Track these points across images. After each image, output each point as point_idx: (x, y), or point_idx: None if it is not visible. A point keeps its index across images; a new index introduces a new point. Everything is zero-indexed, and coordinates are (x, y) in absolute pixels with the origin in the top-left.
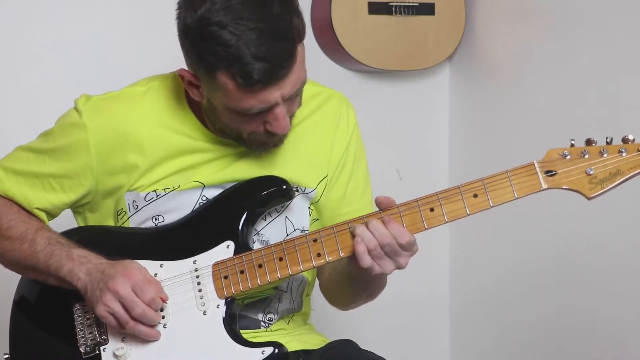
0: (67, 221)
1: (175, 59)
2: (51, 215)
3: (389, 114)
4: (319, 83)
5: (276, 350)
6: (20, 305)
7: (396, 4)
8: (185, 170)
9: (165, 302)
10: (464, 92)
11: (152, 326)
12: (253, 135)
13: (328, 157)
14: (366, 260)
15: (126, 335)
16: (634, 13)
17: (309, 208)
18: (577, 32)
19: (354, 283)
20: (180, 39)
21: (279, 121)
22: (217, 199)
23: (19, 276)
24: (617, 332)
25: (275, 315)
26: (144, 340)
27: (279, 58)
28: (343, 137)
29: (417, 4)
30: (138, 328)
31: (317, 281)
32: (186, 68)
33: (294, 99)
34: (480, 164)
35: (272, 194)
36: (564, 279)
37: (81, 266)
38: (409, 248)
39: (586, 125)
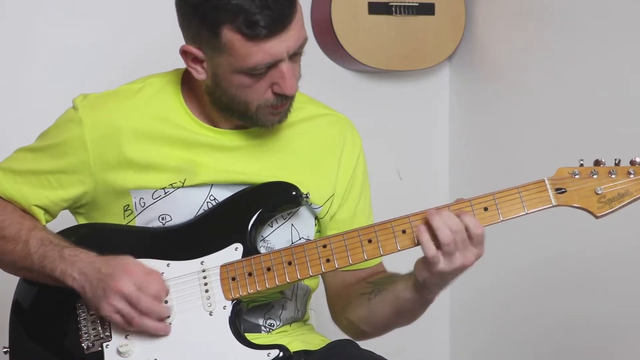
0: (66, 222)
1: (176, 60)
2: (50, 214)
3: (389, 114)
4: (329, 106)
5: (281, 354)
6: (22, 299)
7: (396, 4)
8: (188, 163)
9: (167, 294)
10: (464, 92)
11: (161, 320)
12: (261, 105)
13: (334, 178)
14: (431, 251)
15: (130, 332)
16: (635, 12)
17: (315, 218)
18: (576, 31)
19: (406, 302)
20: (180, 9)
21: (286, 79)
22: (227, 201)
23: None
24: (616, 332)
25: (278, 322)
26: (148, 337)
27: (282, 7)
28: (349, 160)
29: (417, 4)
30: (145, 322)
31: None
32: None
33: (296, 61)
34: (481, 164)
35: (282, 199)
36: (563, 279)
37: (73, 266)
38: (478, 242)
39: (586, 125)
